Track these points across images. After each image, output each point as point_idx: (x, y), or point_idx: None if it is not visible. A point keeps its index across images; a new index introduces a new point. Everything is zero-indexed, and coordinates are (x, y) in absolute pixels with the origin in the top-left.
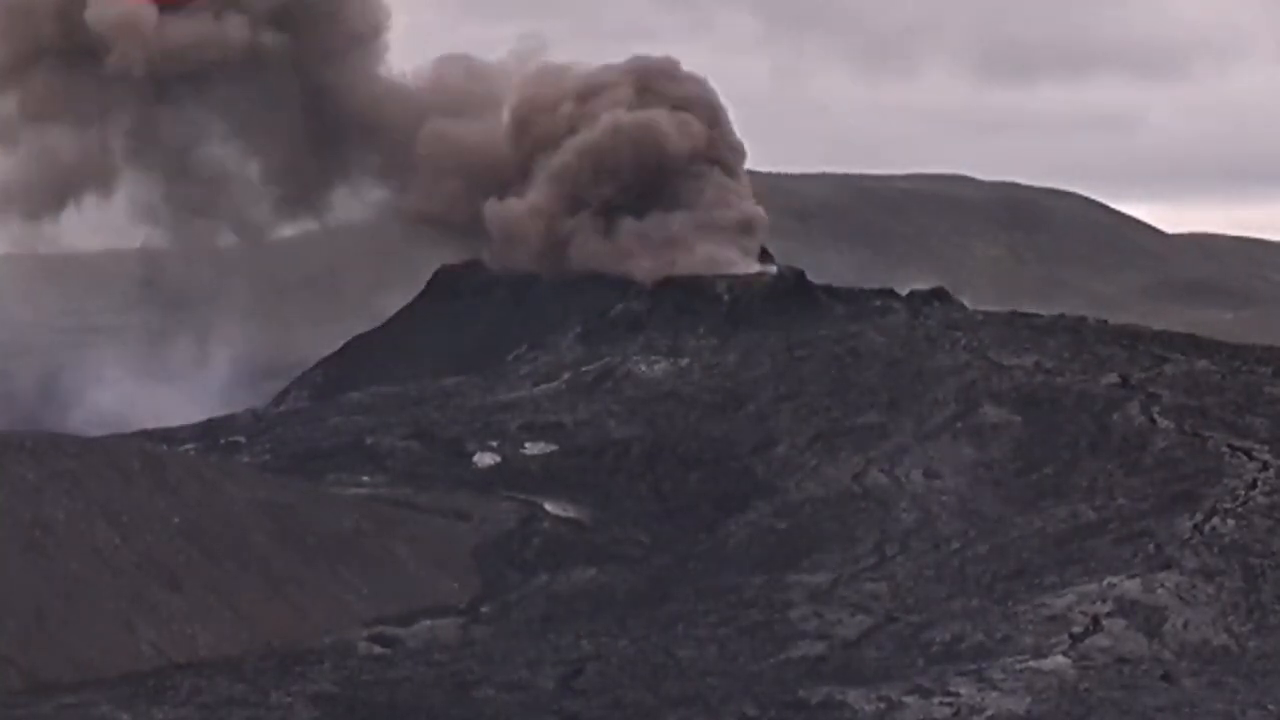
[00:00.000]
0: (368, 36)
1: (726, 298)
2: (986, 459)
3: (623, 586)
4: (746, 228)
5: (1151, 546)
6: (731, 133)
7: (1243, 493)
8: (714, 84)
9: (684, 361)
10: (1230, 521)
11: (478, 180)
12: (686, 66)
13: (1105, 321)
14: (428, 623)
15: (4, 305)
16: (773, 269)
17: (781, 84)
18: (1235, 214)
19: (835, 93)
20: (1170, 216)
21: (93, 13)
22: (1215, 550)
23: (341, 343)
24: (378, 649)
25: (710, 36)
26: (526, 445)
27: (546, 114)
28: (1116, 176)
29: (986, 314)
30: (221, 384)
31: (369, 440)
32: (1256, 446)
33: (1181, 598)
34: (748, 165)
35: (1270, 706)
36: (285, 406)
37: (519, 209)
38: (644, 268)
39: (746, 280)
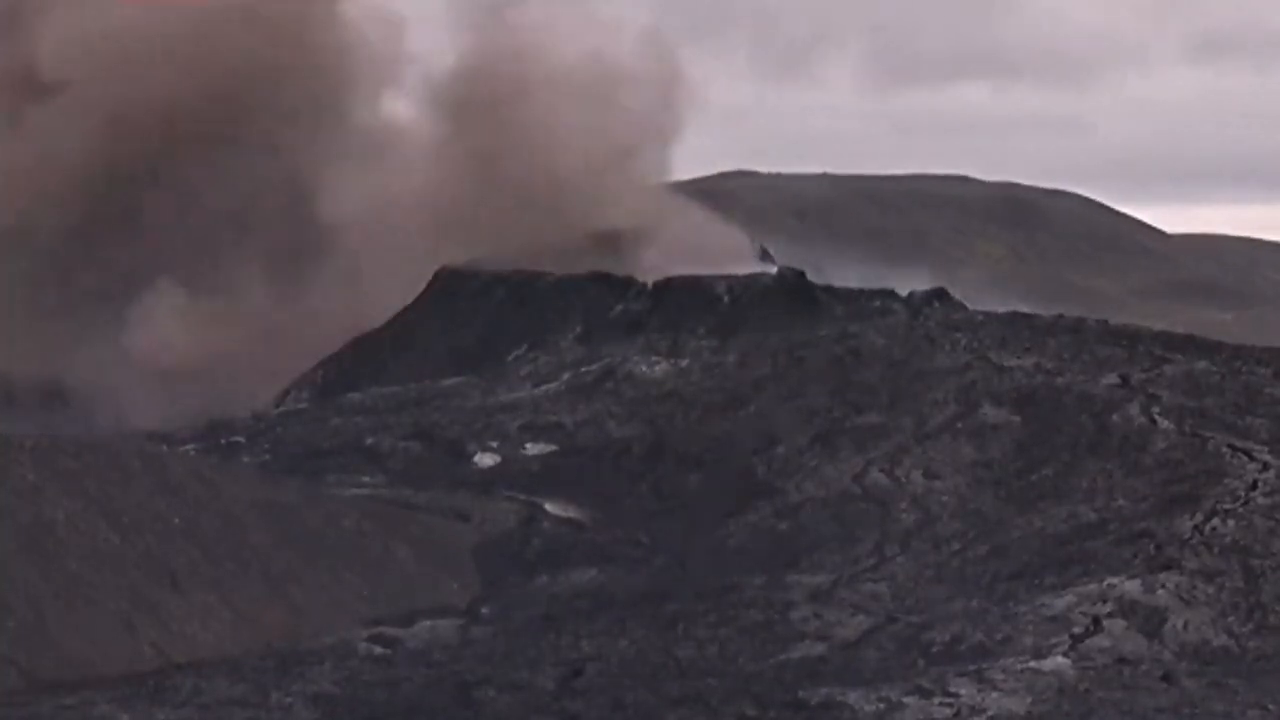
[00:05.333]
0: None
1: (726, 298)
2: (986, 459)
3: (623, 587)
4: None
5: (1152, 547)
6: None
7: (1243, 493)
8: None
9: (684, 362)
10: (1231, 522)
11: None
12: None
13: (1105, 321)
14: (428, 623)
15: None
16: (773, 269)
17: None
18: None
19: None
20: (1171, 217)
21: None
22: (1216, 551)
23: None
24: (378, 649)
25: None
26: (527, 445)
27: None
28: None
29: (986, 314)
30: None
31: (369, 441)
32: (1257, 447)
33: (1182, 598)
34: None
35: (1270, 707)
36: (285, 407)
37: None
38: None
39: (746, 280)
